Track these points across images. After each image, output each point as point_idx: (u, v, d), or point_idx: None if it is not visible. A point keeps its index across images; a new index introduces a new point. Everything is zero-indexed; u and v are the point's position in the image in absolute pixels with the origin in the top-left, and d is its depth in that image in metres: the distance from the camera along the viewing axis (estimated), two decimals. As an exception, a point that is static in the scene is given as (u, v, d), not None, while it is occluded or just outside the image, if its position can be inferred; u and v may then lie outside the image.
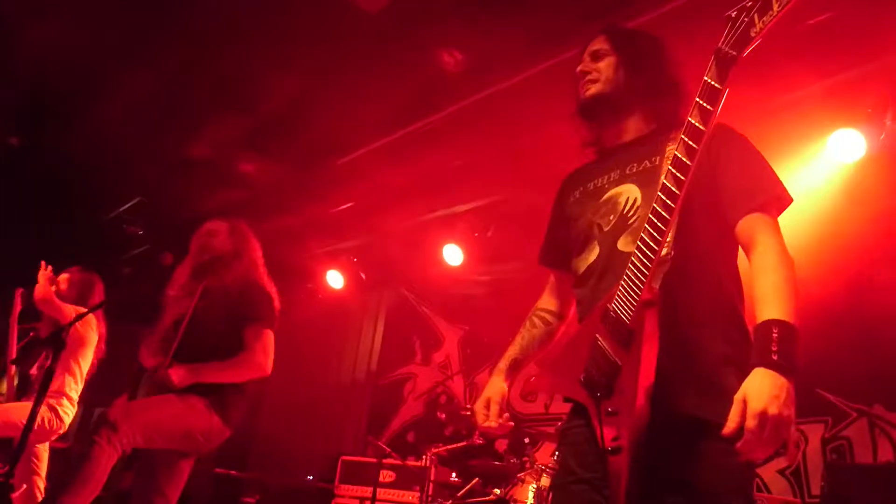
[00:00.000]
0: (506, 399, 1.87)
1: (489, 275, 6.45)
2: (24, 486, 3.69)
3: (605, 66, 1.92)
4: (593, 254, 1.83)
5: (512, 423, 1.87)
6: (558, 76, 4.39)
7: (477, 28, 4.21)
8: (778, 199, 1.69)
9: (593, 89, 1.91)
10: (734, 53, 1.31)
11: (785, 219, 1.71)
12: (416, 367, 7.14)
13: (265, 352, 3.19)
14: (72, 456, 2.86)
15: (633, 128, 1.91)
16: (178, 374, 2.97)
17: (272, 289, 3.41)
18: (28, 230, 6.60)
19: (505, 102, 4.77)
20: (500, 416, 1.86)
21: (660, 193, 1.48)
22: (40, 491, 3.75)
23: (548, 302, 2.08)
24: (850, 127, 4.11)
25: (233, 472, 5.99)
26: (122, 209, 6.99)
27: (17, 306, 4.04)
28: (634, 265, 1.53)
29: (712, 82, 1.36)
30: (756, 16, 1.28)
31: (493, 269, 6.39)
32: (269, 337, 3.24)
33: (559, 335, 2.12)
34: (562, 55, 4.30)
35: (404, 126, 5.29)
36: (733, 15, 1.31)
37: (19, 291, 4.06)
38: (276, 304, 3.38)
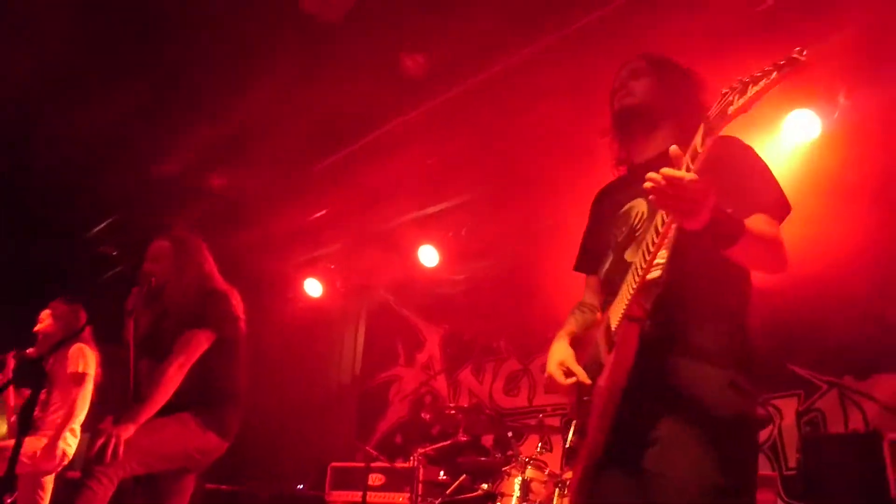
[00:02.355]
0: (574, 359, 1.90)
1: (465, 273, 6.51)
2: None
3: (642, 84, 2.05)
4: (608, 262, 1.99)
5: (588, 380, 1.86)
6: (526, 76, 4.47)
7: (443, 29, 4.27)
8: (781, 206, 1.80)
9: (628, 100, 2.05)
10: (715, 125, 1.47)
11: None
12: (401, 369, 7.18)
13: (187, 357, 3.10)
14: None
15: (658, 144, 2.00)
16: (125, 431, 2.85)
17: (230, 291, 3.38)
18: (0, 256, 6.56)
19: (472, 102, 4.83)
20: (579, 371, 1.87)
21: (656, 221, 1.60)
22: (43, 521, 3.75)
23: (589, 298, 2.18)
24: (805, 107, 4.22)
25: (224, 486, 5.99)
26: (95, 230, 6.95)
27: (8, 369, 4.02)
28: (628, 283, 1.69)
29: (696, 146, 1.51)
30: (736, 96, 1.44)
31: (469, 267, 6.45)
32: (200, 340, 3.16)
33: None
34: (530, 53, 4.38)
35: (375, 130, 5.34)
36: (724, 91, 1.48)
37: (10, 354, 4.05)
38: (235, 305, 3.34)
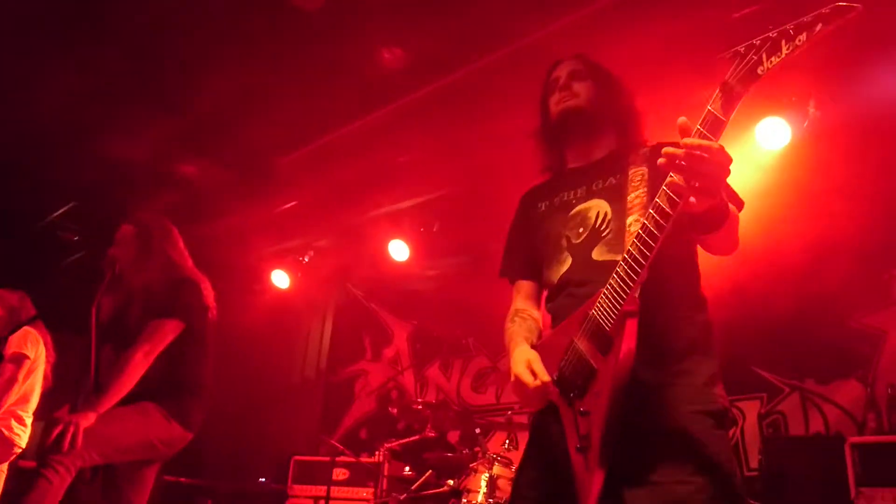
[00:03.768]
0: (540, 362, 1.78)
1: (436, 269, 6.50)
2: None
3: (585, 87, 2.02)
4: (565, 265, 1.91)
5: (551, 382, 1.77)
6: (500, 73, 4.47)
7: (418, 25, 4.24)
8: (736, 203, 1.79)
9: (573, 101, 2.00)
10: (740, 90, 1.33)
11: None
12: (367, 364, 7.15)
13: (152, 347, 3.02)
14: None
15: (600, 148, 2.02)
16: (85, 420, 2.77)
17: (200, 280, 3.31)
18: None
19: (447, 98, 4.81)
20: (545, 373, 1.76)
21: (651, 211, 1.52)
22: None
23: (524, 304, 2.09)
24: (776, 115, 4.30)
25: (182, 479, 5.88)
26: (55, 215, 6.77)
27: None
28: (620, 276, 1.59)
29: (717, 113, 1.37)
30: (765, 55, 1.30)
31: (439, 263, 6.44)
32: (168, 329, 3.09)
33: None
34: (504, 51, 4.37)
35: (347, 123, 5.29)
36: (742, 50, 1.33)
37: None
38: (204, 293, 3.27)
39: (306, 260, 6.87)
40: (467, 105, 4.84)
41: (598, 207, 1.89)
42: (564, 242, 1.92)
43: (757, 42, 1.30)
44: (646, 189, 1.76)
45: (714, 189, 1.43)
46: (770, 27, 1.28)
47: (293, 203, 6.42)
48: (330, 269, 7.13)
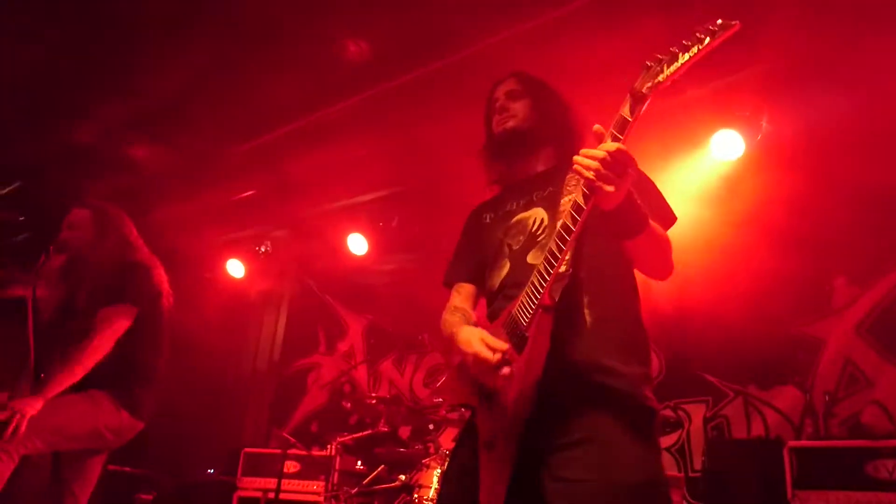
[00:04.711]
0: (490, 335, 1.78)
1: (393, 264, 6.50)
2: None
3: (522, 106, 2.12)
4: (504, 269, 2.00)
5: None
6: (460, 71, 4.49)
7: (380, 20, 4.23)
8: (667, 217, 1.92)
9: (511, 123, 2.10)
10: (644, 93, 1.50)
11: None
12: (320, 357, 7.11)
13: (110, 334, 2.97)
14: None
15: (541, 161, 2.11)
16: (31, 407, 2.70)
17: (154, 265, 3.26)
18: None
19: (408, 94, 4.81)
20: (501, 343, 1.74)
21: (568, 214, 1.64)
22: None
23: (462, 304, 2.14)
24: (730, 128, 4.43)
25: (126, 468, 5.77)
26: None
27: None
28: (537, 276, 1.69)
29: (625, 115, 1.55)
30: (665, 65, 1.47)
31: (397, 258, 6.44)
32: (123, 315, 3.03)
33: None
34: (463, 52, 4.40)
35: (308, 114, 5.24)
36: (649, 63, 1.51)
37: None
38: (158, 278, 3.22)
39: (263, 250, 6.79)
40: (430, 102, 4.85)
41: (536, 215, 1.99)
42: (506, 249, 2.01)
43: (662, 56, 1.48)
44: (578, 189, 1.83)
45: (615, 182, 1.55)
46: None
47: (250, 192, 6.34)
48: (286, 261, 7.07)
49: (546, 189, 2.00)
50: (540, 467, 1.67)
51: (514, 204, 2.08)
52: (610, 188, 1.54)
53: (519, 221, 2.02)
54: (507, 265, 1.99)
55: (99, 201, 3.42)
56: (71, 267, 3.19)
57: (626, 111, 1.54)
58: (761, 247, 4.44)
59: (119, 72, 4.87)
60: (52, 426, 2.78)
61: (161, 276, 3.27)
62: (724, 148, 4.47)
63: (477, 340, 1.75)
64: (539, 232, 1.95)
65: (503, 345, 1.71)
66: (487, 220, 2.17)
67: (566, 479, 1.63)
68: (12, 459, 2.66)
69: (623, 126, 1.54)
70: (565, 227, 1.63)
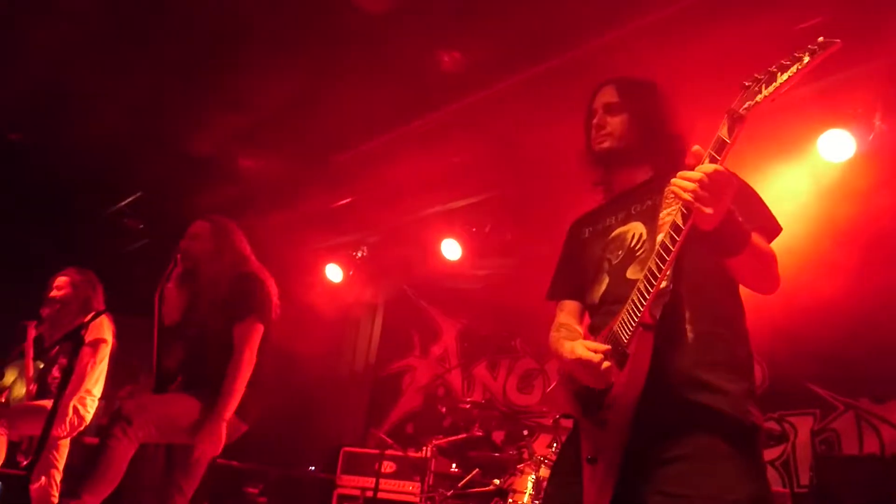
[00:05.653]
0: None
1: (486, 269, 6.54)
2: (43, 478, 3.79)
3: (619, 122, 2.09)
4: (603, 284, 2.01)
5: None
6: (556, 78, 4.49)
7: (478, 29, 4.29)
8: (771, 228, 1.86)
9: (608, 143, 2.08)
10: (742, 114, 1.50)
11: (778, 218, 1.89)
12: (415, 360, 7.24)
13: (252, 349, 3.24)
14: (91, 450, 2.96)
15: (642, 173, 2.10)
16: (213, 445, 3.06)
17: (266, 277, 3.46)
18: (28, 226, 6.67)
19: (503, 102, 4.85)
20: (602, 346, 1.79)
21: (667, 234, 1.64)
22: (56, 484, 3.85)
23: (567, 319, 2.17)
24: (840, 127, 4.22)
25: (234, 462, 6.07)
26: (122, 204, 7.05)
27: (30, 338, 4.12)
28: (637, 294, 1.70)
29: (723, 137, 1.54)
30: (763, 85, 1.47)
31: (490, 263, 6.48)
32: (258, 330, 3.28)
33: None
34: (559, 58, 4.39)
35: (404, 123, 5.37)
36: (747, 83, 1.51)
37: (31, 324, 4.14)
38: (271, 290, 3.43)
39: (360, 255, 6.99)
40: (523, 109, 4.87)
41: (634, 229, 1.98)
42: (605, 265, 2.02)
43: (760, 76, 1.48)
44: (677, 208, 1.81)
45: (713, 204, 1.54)
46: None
47: (349, 199, 6.55)
48: (382, 265, 7.24)
49: (645, 202, 2.00)
50: (643, 482, 1.67)
51: (613, 218, 2.09)
52: (708, 210, 1.54)
53: (618, 236, 2.02)
54: (607, 280, 2.01)
55: (217, 216, 3.67)
56: (190, 275, 3.43)
57: (724, 132, 1.54)
58: (874, 251, 4.20)
59: (228, 88, 5.16)
60: (165, 416, 3.04)
61: (273, 289, 3.47)
62: (834, 149, 4.25)
63: (580, 346, 1.82)
64: (638, 247, 1.95)
65: (604, 346, 1.76)
66: (587, 235, 2.18)
67: (669, 493, 1.63)
68: (133, 443, 2.92)
69: (721, 147, 1.54)
70: (664, 246, 1.64)
